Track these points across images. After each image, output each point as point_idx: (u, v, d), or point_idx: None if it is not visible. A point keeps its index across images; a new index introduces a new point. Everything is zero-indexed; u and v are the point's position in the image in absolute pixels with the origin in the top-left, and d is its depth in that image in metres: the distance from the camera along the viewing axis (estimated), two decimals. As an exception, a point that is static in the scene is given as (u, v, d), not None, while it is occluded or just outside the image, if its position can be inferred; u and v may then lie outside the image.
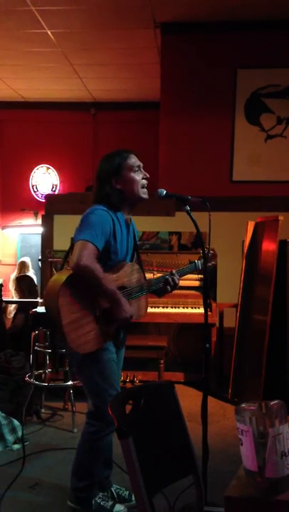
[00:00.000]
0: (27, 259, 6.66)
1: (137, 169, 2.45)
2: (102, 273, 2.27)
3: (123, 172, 2.42)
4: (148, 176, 2.49)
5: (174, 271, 2.56)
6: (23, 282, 5.53)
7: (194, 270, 2.61)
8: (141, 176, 2.46)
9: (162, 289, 2.56)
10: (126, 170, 2.42)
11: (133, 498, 2.55)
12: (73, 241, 2.38)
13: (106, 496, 2.55)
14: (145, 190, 2.47)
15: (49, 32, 5.49)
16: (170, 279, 2.52)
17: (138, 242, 2.64)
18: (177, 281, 2.54)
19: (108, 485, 2.64)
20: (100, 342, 2.34)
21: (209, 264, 2.64)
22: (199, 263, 2.61)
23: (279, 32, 5.34)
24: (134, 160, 2.45)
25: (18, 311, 5.24)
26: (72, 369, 2.45)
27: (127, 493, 2.62)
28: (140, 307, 2.55)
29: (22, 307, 5.13)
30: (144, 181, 2.47)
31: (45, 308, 2.37)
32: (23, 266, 6.49)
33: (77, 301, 2.27)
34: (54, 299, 2.23)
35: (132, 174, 2.43)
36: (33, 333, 4.11)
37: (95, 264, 2.25)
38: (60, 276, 2.32)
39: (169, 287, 2.52)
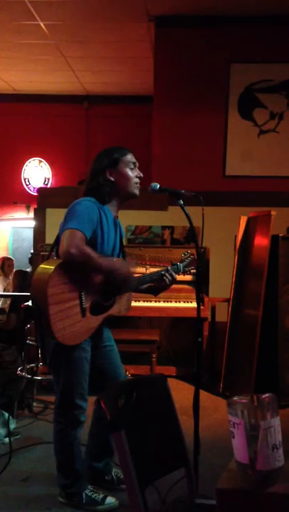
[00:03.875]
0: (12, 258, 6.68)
1: (132, 166, 2.47)
2: (93, 252, 2.28)
3: (119, 166, 2.44)
4: (142, 175, 2.51)
5: (168, 267, 2.57)
6: (19, 278, 5.52)
7: (176, 272, 2.62)
8: (135, 173, 2.48)
9: (158, 287, 2.57)
10: (122, 164, 2.45)
11: None
12: (59, 233, 2.38)
13: (96, 489, 2.57)
14: (137, 186, 2.49)
15: (42, 24, 5.45)
16: (167, 274, 2.53)
17: (124, 243, 2.66)
18: (175, 276, 2.55)
19: (109, 471, 2.68)
20: (83, 335, 2.35)
21: (187, 269, 2.67)
22: (181, 266, 2.65)
23: (273, 27, 5.34)
24: (131, 157, 2.48)
25: (11, 309, 5.23)
26: (46, 360, 2.46)
27: None
28: (125, 303, 2.56)
29: (15, 306, 5.12)
30: (137, 179, 2.49)
31: (32, 297, 2.35)
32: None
33: (66, 290, 2.28)
34: (43, 288, 2.22)
35: (127, 169, 2.45)
36: (25, 327, 4.10)
37: (85, 247, 2.25)
38: (48, 266, 2.30)
39: (167, 280, 2.52)
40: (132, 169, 2.46)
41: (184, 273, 2.67)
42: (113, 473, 2.70)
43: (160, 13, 5.27)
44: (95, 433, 2.69)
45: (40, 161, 8.01)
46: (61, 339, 2.27)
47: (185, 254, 2.71)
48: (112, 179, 2.43)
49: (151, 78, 5.66)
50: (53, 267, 2.24)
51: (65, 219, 2.34)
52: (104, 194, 2.42)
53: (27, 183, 8.05)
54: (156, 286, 2.58)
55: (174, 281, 2.55)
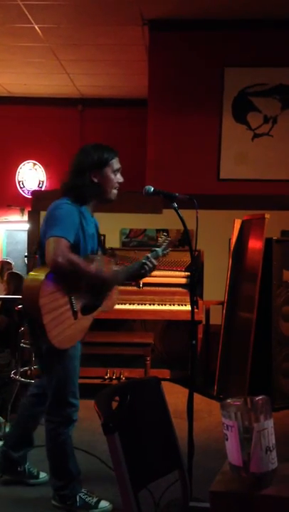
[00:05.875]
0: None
1: (117, 172, 2.50)
2: (80, 260, 2.31)
3: (105, 169, 2.45)
4: (122, 180, 2.53)
5: (148, 255, 2.63)
6: (13, 280, 5.49)
7: (156, 258, 2.67)
8: (117, 178, 2.50)
9: (140, 275, 2.63)
10: (108, 168, 2.46)
11: (41, 476, 2.76)
12: (41, 238, 2.41)
13: (90, 492, 2.56)
14: (116, 192, 2.51)
15: (36, 27, 5.45)
16: (148, 262, 2.59)
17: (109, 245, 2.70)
18: (155, 262, 2.61)
19: (23, 462, 2.75)
20: (77, 336, 2.41)
21: (166, 251, 2.73)
22: (160, 250, 2.69)
23: (267, 31, 5.37)
24: (117, 161, 2.50)
25: (1, 311, 5.20)
26: (39, 360, 2.50)
27: (35, 471, 2.78)
28: (110, 298, 2.60)
29: (6, 308, 5.09)
30: (117, 185, 2.52)
31: (24, 307, 2.38)
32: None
33: (57, 298, 2.31)
34: (34, 298, 2.25)
35: (112, 174, 2.47)
36: (19, 330, 4.09)
37: (72, 255, 2.28)
38: (37, 275, 2.33)
39: (147, 267, 2.58)
40: (115, 175, 2.48)
41: (163, 256, 2.73)
42: (26, 466, 2.75)
43: (154, 17, 5.29)
44: (21, 422, 2.73)
45: (35, 164, 8.00)
46: (58, 345, 2.30)
47: (162, 238, 2.76)
48: (96, 181, 2.44)
49: (146, 81, 5.68)
50: (42, 277, 2.27)
51: (46, 224, 2.36)
52: (86, 195, 2.44)
53: (21, 185, 8.04)
54: (139, 274, 2.63)
55: (155, 267, 2.62)
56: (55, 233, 2.27)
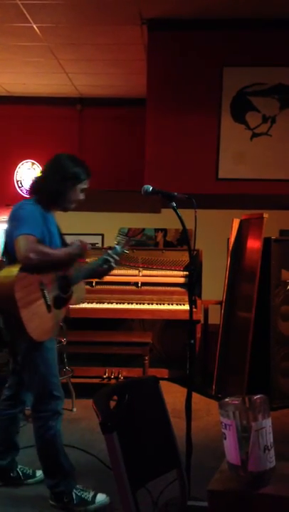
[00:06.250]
0: None
1: (83, 191, 2.63)
2: (48, 249, 2.42)
3: (78, 185, 2.59)
4: (83, 199, 2.64)
5: (109, 251, 2.72)
6: None
7: (117, 254, 2.75)
8: (81, 196, 2.63)
9: (104, 270, 2.74)
10: (80, 185, 2.60)
11: (37, 474, 2.78)
12: (7, 239, 2.48)
13: (85, 487, 2.57)
14: (74, 206, 2.64)
15: (35, 26, 5.45)
16: (110, 258, 2.68)
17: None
18: (117, 258, 2.71)
19: (14, 468, 2.77)
20: (53, 329, 2.51)
21: (125, 249, 2.82)
22: (119, 247, 2.77)
23: (266, 30, 5.37)
24: (87, 182, 2.64)
25: None
26: (17, 358, 2.53)
27: (30, 470, 2.81)
28: (80, 291, 2.70)
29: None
30: (78, 201, 2.64)
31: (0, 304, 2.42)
32: None
33: (31, 292, 2.39)
34: (10, 293, 2.31)
35: (79, 192, 2.61)
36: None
37: (40, 246, 2.38)
38: (10, 271, 2.38)
39: (111, 263, 2.68)
40: (81, 193, 2.62)
41: (123, 253, 2.83)
42: (18, 470, 2.77)
43: (153, 16, 5.28)
44: (1, 427, 2.76)
45: (33, 164, 7.99)
46: (36, 337, 2.39)
47: (119, 236, 2.85)
48: (68, 190, 2.56)
49: (145, 81, 5.68)
50: (15, 272, 2.34)
51: (11, 224, 2.47)
52: (58, 198, 2.55)
53: (19, 185, 8.03)
54: (103, 270, 2.73)
55: (117, 263, 2.73)
56: (23, 231, 2.37)
